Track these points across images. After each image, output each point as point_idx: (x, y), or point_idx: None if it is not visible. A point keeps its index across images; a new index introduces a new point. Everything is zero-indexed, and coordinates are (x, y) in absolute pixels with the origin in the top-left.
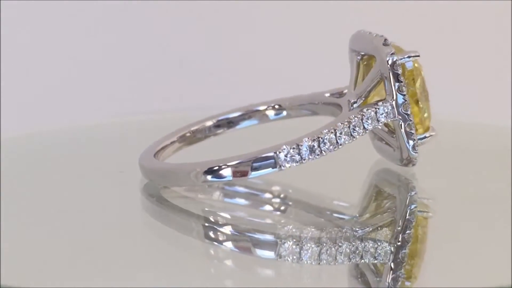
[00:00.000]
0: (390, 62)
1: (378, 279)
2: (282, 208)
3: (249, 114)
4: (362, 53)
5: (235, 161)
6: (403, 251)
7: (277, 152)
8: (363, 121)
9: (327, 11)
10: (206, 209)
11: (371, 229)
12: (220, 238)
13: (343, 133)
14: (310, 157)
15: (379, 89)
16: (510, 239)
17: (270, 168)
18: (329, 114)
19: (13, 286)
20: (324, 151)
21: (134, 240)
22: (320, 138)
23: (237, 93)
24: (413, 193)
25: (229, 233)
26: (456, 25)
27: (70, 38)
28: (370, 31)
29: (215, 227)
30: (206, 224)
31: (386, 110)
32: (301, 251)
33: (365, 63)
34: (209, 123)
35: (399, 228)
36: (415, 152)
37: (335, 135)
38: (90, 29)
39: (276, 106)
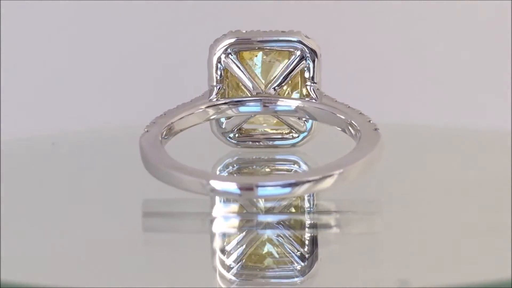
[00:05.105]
0: (318, 52)
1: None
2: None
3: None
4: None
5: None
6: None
7: None
8: None
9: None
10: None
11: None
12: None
13: None
14: None
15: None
16: (510, 237)
17: None
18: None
19: (12, 285)
20: None
21: (135, 238)
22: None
23: None
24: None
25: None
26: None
27: (70, 39)
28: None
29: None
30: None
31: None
32: None
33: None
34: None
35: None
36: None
37: None
38: (90, 31)
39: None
